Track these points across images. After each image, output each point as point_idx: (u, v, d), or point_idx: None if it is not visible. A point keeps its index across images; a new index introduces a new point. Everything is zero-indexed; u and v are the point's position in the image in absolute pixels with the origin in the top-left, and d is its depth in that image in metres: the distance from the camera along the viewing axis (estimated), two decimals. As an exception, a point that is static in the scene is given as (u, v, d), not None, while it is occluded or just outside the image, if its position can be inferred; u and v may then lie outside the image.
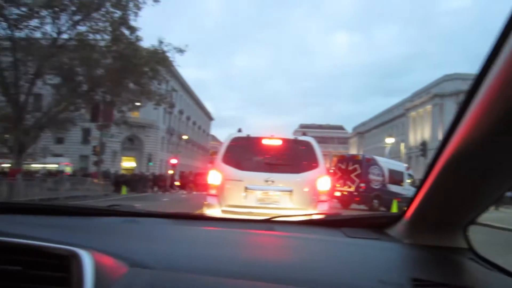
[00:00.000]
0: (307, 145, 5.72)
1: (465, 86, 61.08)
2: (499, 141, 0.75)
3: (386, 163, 18.96)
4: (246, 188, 5.43)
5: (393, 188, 17.95)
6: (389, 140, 50.51)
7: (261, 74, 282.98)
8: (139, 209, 1.71)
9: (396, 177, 18.62)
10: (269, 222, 1.53)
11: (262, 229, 1.38)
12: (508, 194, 25.47)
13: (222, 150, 5.81)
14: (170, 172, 36.93)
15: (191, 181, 31.65)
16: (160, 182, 31.06)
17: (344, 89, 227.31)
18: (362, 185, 17.62)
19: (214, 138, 79.97)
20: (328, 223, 1.49)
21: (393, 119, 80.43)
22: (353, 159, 19.24)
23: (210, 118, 76.88)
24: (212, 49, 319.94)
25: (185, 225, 1.45)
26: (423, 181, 1.04)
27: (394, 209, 14.40)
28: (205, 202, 5.68)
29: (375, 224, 1.39)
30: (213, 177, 5.60)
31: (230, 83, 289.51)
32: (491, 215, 18.12)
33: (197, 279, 0.83)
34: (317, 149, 5.70)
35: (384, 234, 1.30)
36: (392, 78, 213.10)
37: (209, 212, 5.43)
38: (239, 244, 1.15)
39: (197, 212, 8.07)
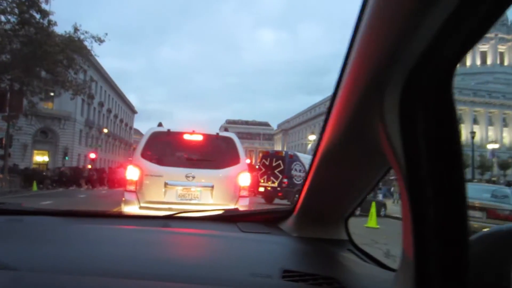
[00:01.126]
0: (229, 140, 5.74)
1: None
2: (350, 147, 0.82)
3: (308, 160, 19.80)
4: (166, 184, 5.31)
5: (314, 183, 18.80)
6: (312, 137, 52.98)
7: (188, 67, 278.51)
8: (26, 207, 1.59)
9: (316, 173, 19.53)
10: (167, 219, 1.50)
11: (159, 226, 1.35)
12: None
13: (141, 145, 5.62)
14: (89, 166, 34.80)
15: (87, 177, 29.75)
16: (63, 178, 28.41)
17: (270, 86, 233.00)
18: (285, 180, 18.23)
19: (137, 132, 76.96)
20: (226, 218, 1.51)
21: (315, 117, 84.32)
22: (276, 155, 19.79)
23: (133, 111, 73.82)
24: (137, 38, 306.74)
25: (76, 223, 1.38)
26: (306, 177, 1.10)
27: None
28: (123, 199, 5.45)
29: (270, 219, 1.45)
30: (131, 173, 5.38)
31: (157, 75, 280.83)
32: (399, 208, 19.87)
33: (66, 279, 0.78)
34: (239, 145, 5.75)
35: (276, 228, 1.36)
36: (315, 77, 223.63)
37: (127, 208, 5.24)
38: (129, 241, 1.11)
39: (116, 209, 7.67)
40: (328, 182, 1.03)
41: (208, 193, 5.39)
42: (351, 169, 0.93)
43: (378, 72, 0.61)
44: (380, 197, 19.85)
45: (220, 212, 1.59)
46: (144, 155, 5.46)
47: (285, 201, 18.36)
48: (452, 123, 0.55)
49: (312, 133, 55.87)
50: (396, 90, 0.58)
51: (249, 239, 1.20)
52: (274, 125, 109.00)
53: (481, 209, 8.35)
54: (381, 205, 16.40)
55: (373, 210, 13.32)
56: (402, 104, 0.57)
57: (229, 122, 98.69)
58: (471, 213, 8.46)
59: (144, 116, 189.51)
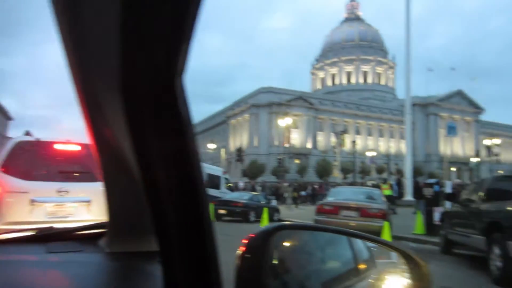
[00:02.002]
0: None
1: (277, 98, 68.81)
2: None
3: (205, 169, 19.80)
4: (33, 201, 4.74)
5: (211, 191, 18.84)
6: (211, 146, 53.19)
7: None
8: None
9: (214, 181, 19.64)
10: None
11: None
12: (303, 193, 30.11)
13: (0, 157, 4.90)
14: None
15: None
16: None
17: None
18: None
19: (17, 141, 68.14)
20: (37, 239, 1.34)
21: (215, 126, 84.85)
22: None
23: (7, 117, 65.34)
24: (16, 32, 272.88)
25: None
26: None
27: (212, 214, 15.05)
28: None
29: (88, 235, 1.35)
30: None
31: (42, 77, 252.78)
32: (292, 212, 21.06)
33: None
34: None
35: (92, 245, 1.27)
36: (217, 86, 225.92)
37: None
38: None
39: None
40: (118, 191, 1.00)
41: (84, 209, 4.99)
42: (128, 175, 0.89)
43: (93, 82, 0.61)
44: (273, 202, 20.70)
45: (32, 232, 1.38)
46: (5, 168, 4.79)
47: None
48: (184, 131, 0.57)
49: (212, 142, 56.11)
50: (116, 99, 0.56)
51: (52, 262, 1.08)
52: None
53: (355, 209, 9.25)
54: (274, 210, 17.13)
55: (265, 215, 13.93)
56: (127, 112, 0.56)
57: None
58: (348, 213, 9.36)
59: (25, 123, 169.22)
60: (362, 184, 33.81)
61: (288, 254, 1.19)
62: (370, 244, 1.51)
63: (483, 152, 63.81)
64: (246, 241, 0.87)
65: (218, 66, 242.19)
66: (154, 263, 1.07)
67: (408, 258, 1.25)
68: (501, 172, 59.27)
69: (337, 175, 46.58)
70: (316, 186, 32.21)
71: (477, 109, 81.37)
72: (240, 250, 0.84)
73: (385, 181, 21.70)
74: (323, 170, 56.28)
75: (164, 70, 0.52)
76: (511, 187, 7.22)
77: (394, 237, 9.79)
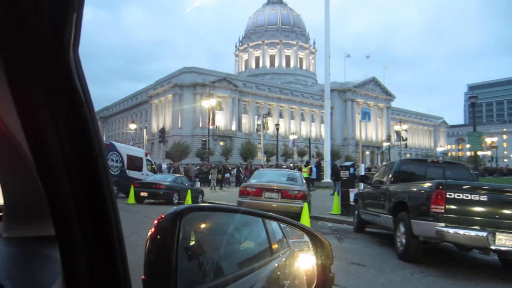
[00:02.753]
0: None
1: (201, 79, 67.62)
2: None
3: (125, 149, 18.91)
4: None
5: (132, 173, 18.13)
6: (133, 126, 51.03)
7: None
8: None
9: (135, 163, 18.87)
10: None
11: None
12: (228, 175, 30.44)
13: None
14: None
15: None
16: None
17: (86, 69, 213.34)
18: (100, 172, 16.95)
19: None
20: None
21: (137, 105, 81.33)
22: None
23: None
24: None
25: None
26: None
27: (131, 199, 14.53)
28: None
29: None
30: None
31: None
32: (216, 194, 21.21)
33: None
34: None
35: None
36: (139, 63, 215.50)
37: None
38: None
39: None
40: (17, 172, 0.93)
41: None
42: (22, 157, 0.82)
43: None
44: (197, 184, 20.59)
45: None
46: None
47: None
48: (81, 110, 0.52)
49: (133, 122, 53.80)
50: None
51: None
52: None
53: (277, 191, 9.52)
54: (198, 192, 17.05)
55: (188, 197, 13.84)
56: (13, 91, 0.50)
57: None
58: (270, 194, 9.61)
59: None
60: (280, 167, 34.82)
61: (206, 235, 1.20)
62: (283, 225, 1.59)
63: (394, 137, 69.87)
64: (156, 222, 0.85)
65: (141, 42, 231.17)
66: (53, 247, 1.00)
67: (313, 237, 1.36)
68: (407, 155, 65.69)
69: (260, 157, 47.70)
70: (241, 168, 32.68)
71: (389, 96, 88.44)
72: (150, 232, 0.82)
73: (307, 163, 22.59)
74: (248, 153, 57.25)
75: (51, 44, 0.48)
76: (415, 170, 7.98)
77: (313, 218, 10.33)
